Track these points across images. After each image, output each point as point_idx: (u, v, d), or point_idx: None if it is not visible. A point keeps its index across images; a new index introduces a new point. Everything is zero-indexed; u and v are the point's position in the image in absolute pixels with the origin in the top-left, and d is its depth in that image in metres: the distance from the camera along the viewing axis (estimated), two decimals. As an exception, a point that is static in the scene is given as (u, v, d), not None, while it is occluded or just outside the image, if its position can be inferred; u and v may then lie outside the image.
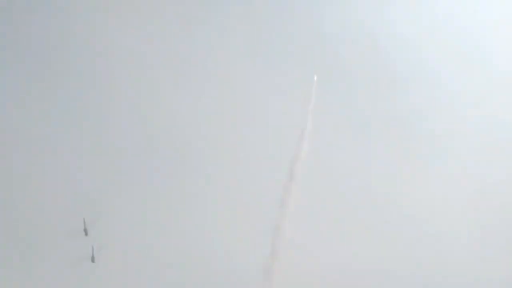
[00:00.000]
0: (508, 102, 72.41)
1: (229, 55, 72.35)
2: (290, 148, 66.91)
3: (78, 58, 71.37)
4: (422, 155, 70.81)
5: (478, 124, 71.87)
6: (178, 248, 66.11)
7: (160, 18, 72.79)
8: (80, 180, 67.68)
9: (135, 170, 68.49)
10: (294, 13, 74.02)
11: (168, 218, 67.00)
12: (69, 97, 70.13)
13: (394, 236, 67.91)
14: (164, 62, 72.02)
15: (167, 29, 72.59)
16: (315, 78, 68.01)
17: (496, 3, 74.79)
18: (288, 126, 68.98)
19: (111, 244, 65.83)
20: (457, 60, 73.45)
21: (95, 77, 71.01)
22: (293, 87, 70.81)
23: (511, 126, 71.83)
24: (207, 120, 70.71)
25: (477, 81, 73.04)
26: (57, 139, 68.56)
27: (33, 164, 67.70)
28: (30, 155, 67.88)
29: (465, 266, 67.18)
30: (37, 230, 65.57)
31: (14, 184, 66.92)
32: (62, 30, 71.66)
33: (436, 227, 68.61)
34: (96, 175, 67.92)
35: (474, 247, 68.14)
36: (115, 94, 70.61)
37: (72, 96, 70.17)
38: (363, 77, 72.72)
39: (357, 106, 71.80)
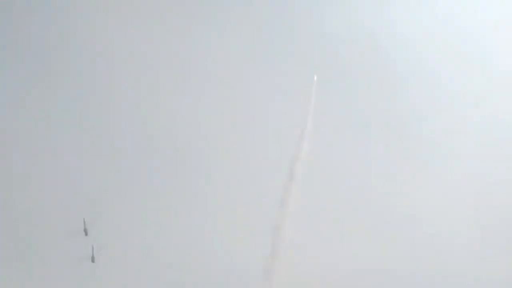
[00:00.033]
0: (508, 102, 72.36)
1: (229, 55, 72.29)
2: (290, 148, 66.93)
3: (78, 58, 71.31)
4: (422, 155, 70.79)
5: (478, 124, 71.83)
6: (178, 248, 66.15)
7: (160, 18, 72.71)
8: (80, 180, 67.72)
9: (135, 170, 68.50)
10: (294, 13, 73.93)
11: (168, 218, 67.02)
12: (69, 97, 70.11)
13: (394, 236, 67.93)
14: (164, 62, 71.97)
15: (167, 29, 72.52)
16: (315, 78, 68.03)
17: (496, 3, 74.69)
18: (288, 126, 68.96)
19: (111, 244, 65.88)
20: (457, 60, 73.36)
21: (95, 77, 70.97)
22: (293, 87, 70.75)
23: (511, 126, 71.82)
24: (207, 120, 70.69)
25: (477, 81, 72.98)
26: (57, 139, 68.55)
27: (33, 164, 67.71)
28: (30, 155, 67.88)
29: (465, 266, 67.22)
30: (37, 230, 65.61)
31: (14, 184, 66.94)
32: (62, 30, 71.60)
33: (436, 227, 68.64)
34: (96, 175, 67.95)
35: (474, 247, 68.17)
36: (115, 94, 70.59)
37: (72, 96, 70.15)
38: (363, 77, 72.65)
39: (357, 106, 71.75)
